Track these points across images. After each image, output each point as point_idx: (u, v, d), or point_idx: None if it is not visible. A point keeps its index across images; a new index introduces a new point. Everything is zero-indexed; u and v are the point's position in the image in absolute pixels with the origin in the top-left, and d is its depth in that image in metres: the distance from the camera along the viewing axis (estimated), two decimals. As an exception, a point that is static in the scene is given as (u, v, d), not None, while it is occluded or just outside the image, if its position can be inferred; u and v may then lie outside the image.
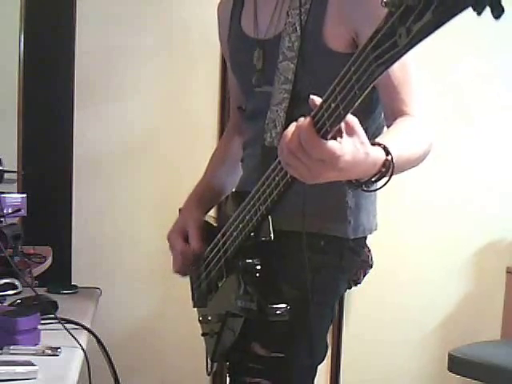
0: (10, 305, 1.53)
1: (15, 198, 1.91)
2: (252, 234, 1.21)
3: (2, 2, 2.36)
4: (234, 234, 1.25)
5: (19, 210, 1.90)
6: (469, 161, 2.78)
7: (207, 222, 1.48)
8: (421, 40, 0.67)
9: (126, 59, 2.47)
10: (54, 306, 1.57)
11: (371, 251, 1.41)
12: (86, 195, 2.46)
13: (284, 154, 0.92)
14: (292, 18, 1.24)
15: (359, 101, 0.81)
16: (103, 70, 2.45)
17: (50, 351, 1.23)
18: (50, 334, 1.34)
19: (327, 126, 0.86)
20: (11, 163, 2.20)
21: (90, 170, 2.46)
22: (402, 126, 1.14)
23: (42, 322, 1.35)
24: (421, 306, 2.81)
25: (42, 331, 1.32)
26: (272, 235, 1.20)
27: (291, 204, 1.15)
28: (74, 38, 2.40)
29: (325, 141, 0.86)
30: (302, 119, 0.90)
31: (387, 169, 0.96)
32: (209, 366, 1.49)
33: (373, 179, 0.97)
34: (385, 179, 0.98)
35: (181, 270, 1.47)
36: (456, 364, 2.51)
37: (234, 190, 1.52)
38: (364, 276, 1.39)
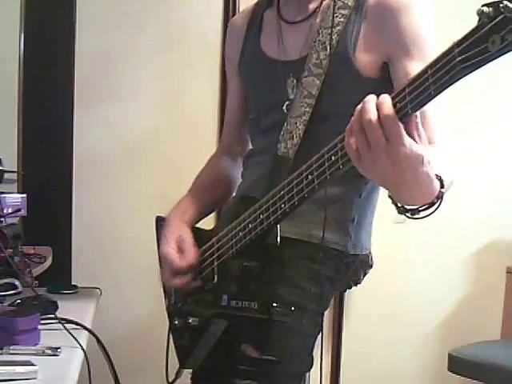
0: (10, 305, 1.53)
1: (15, 197, 1.92)
2: (260, 236, 1.22)
3: (2, 2, 2.36)
4: (241, 233, 1.26)
5: (19, 210, 1.91)
6: (468, 160, 2.78)
7: (197, 228, 1.46)
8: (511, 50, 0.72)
9: (126, 59, 2.47)
10: (54, 306, 1.57)
11: (371, 251, 1.41)
12: (86, 195, 2.46)
13: (355, 122, 0.88)
14: (323, 36, 1.26)
15: (430, 102, 0.82)
16: (103, 70, 2.45)
17: (50, 351, 1.24)
18: (50, 334, 1.34)
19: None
20: (11, 163, 2.20)
21: (90, 170, 2.46)
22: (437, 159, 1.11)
23: (42, 322, 1.35)
24: (421, 306, 2.81)
25: (41, 331, 1.32)
26: (279, 240, 1.21)
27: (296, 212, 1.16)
28: (74, 37, 2.40)
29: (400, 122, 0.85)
30: (372, 97, 0.87)
31: (437, 201, 0.96)
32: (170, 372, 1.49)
33: (421, 208, 0.97)
34: (430, 210, 0.97)
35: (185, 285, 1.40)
36: (456, 364, 2.51)
37: (236, 194, 1.50)
38: (364, 276, 1.40)
